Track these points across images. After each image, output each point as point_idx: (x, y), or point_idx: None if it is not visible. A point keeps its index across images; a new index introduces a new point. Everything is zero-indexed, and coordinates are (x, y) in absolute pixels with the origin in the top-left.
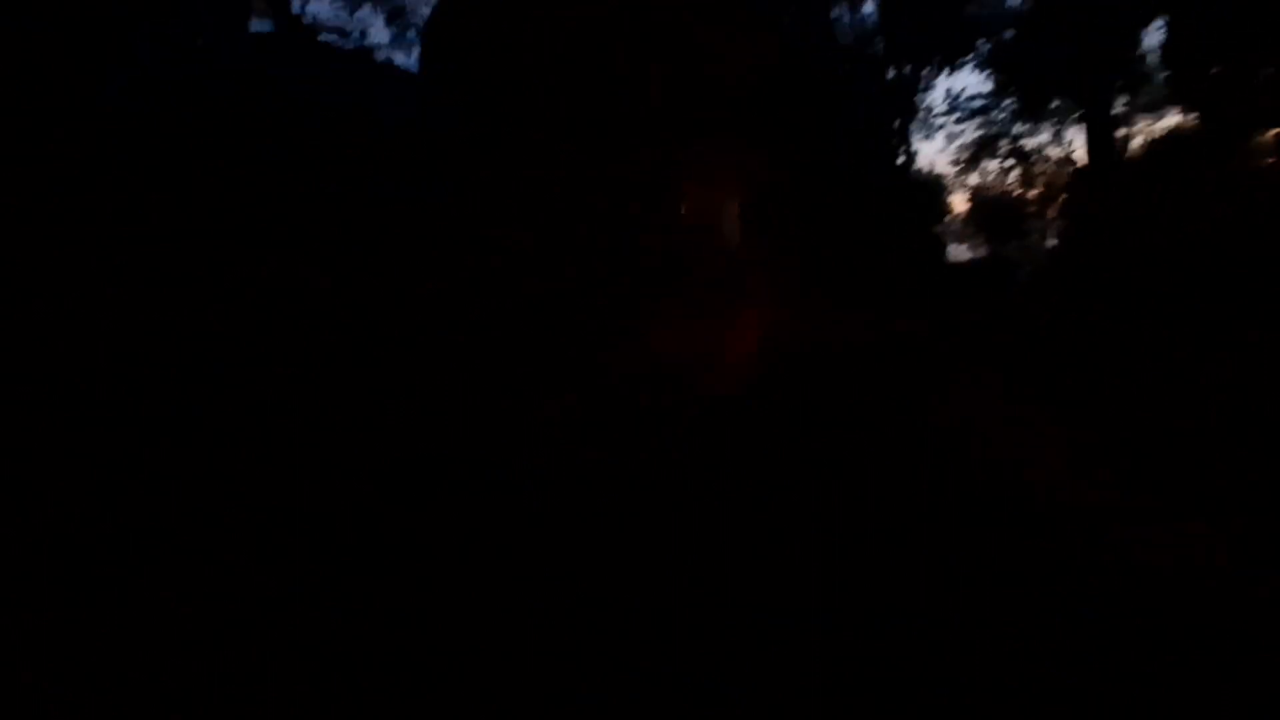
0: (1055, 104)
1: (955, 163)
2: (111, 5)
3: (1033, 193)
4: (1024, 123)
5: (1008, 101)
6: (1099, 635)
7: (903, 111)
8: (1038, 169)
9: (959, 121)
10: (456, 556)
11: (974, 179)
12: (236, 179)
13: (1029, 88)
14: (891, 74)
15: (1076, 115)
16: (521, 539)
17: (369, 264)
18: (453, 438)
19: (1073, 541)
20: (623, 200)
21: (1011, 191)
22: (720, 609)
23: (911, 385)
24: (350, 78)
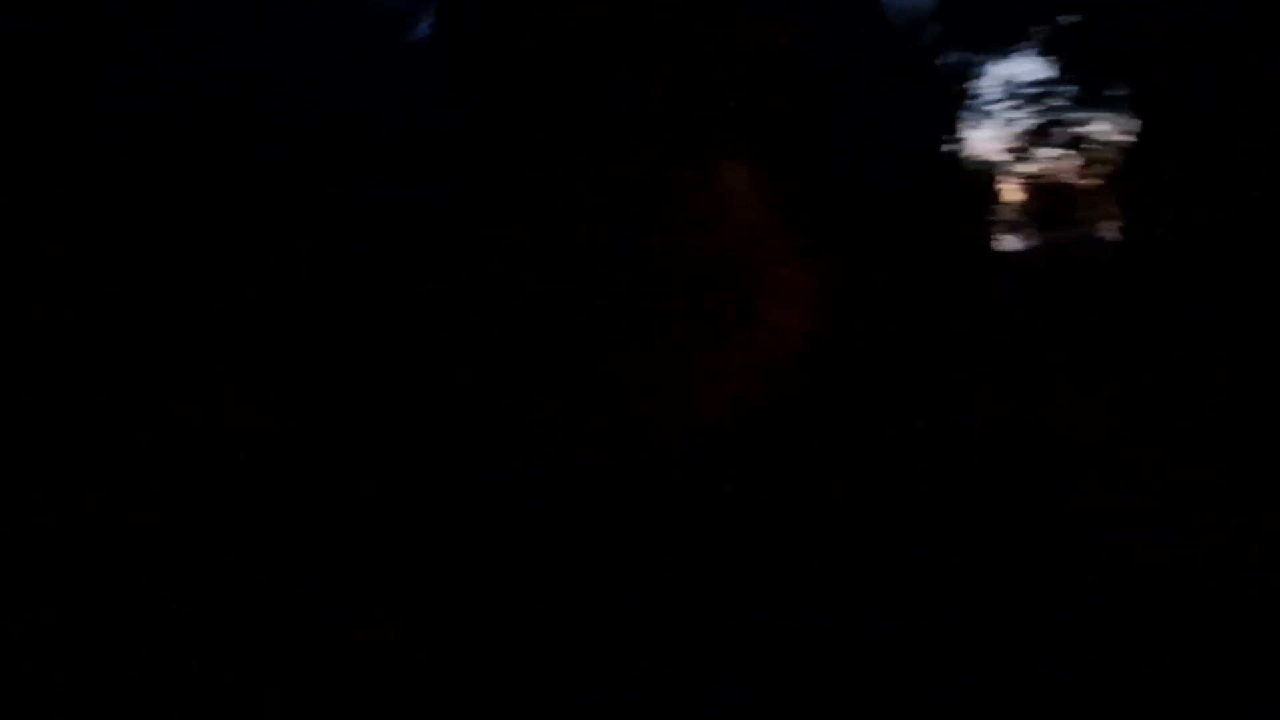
0: (1114, 90)
1: (1008, 150)
2: (111, 5)
3: (1088, 180)
4: (1081, 109)
5: (1065, 88)
6: (1099, 635)
7: (955, 98)
8: (1094, 156)
9: (1013, 108)
10: (456, 556)
11: (1028, 167)
12: (236, 179)
13: (1086, 74)
14: (944, 60)
15: (1133, 101)
16: (521, 539)
17: (369, 264)
18: (453, 438)
19: (1073, 541)
20: (623, 200)
21: (1066, 179)
22: (720, 609)
23: (912, 384)
24: (350, 78)
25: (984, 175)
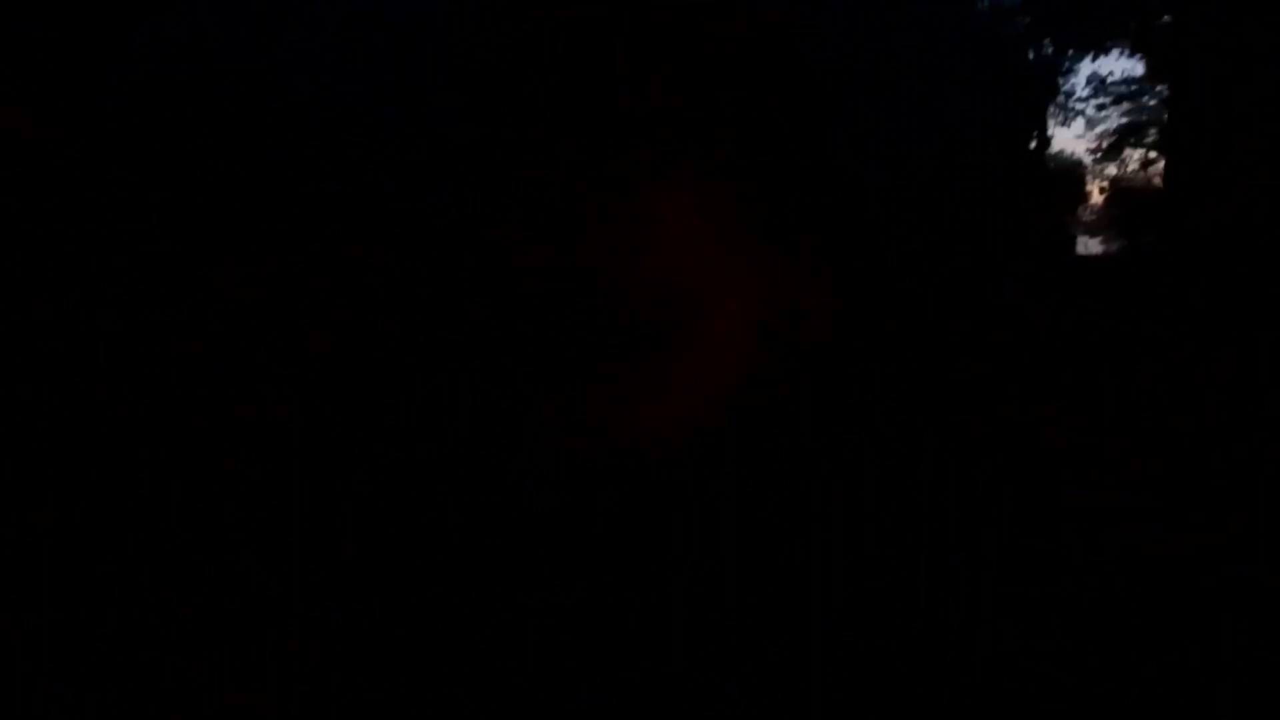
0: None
1: (1093, 151)
2: (111, 5)
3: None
4: (1173, 110)
5: (1158, 88)
6: (1099, 635)
7: (1041, 94)
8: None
9: (1102, 108)
10: (456, 556)
11: (1113, 169)
12: (236, 179)
13: (1179, 74)
14: (1032, 54)
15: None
16: (521, 539)
17: (369, 264)
18: (453, 438)
19: (1073, 541)
20: (623, 199)
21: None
22: (720, 609)
23: (911, 384)
24: (350, 78)
25: (984, 175)
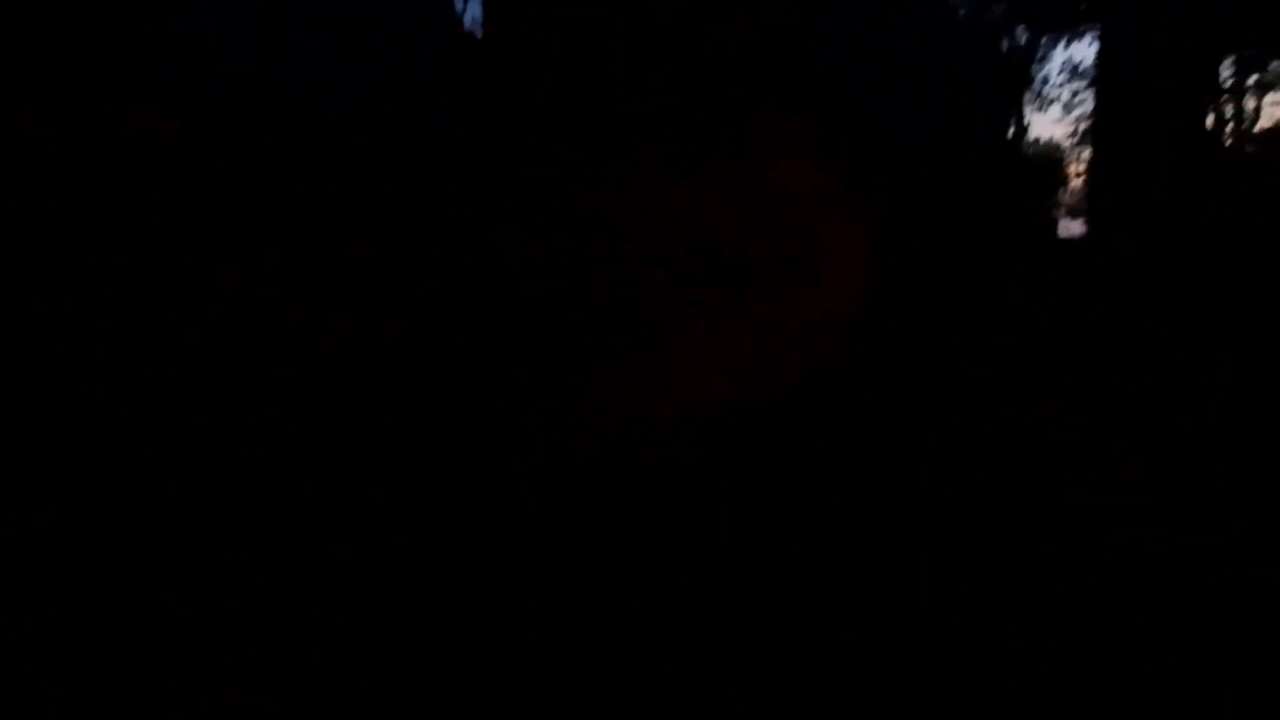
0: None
1: (1070, 135)
2: (111, 5)
3: (1088, 180)
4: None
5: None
6: (1099, 635)
7: (1017, 82)
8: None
9: (1078, 93)
10: (456, 556)
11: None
12: (236, 179)
13: (1144, 62)
14: (1007, 43)
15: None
16: (520, 539)
17: (369, 264)
18: (453, 438)
19: (1073, 541)
20: (623, 200)
21: (1068, 178)
22: (720, 609)
23: (911, 383)
24: (350, 78)
25: (984, 173)
